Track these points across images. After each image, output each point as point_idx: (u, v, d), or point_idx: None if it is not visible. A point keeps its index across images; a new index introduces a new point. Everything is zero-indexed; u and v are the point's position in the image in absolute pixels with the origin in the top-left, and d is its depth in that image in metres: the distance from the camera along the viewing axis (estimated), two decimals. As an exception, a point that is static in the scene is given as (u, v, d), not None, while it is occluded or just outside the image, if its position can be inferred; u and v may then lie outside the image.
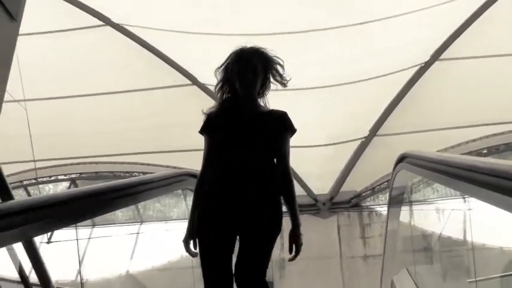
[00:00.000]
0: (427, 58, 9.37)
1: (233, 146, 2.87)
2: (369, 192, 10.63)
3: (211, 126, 2.94)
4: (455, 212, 3.08)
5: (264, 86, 2.99)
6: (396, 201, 4.47)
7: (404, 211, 4.19)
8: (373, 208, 10.73)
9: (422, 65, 9.45)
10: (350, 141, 10.25)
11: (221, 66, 3.00)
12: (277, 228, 2.85)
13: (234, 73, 2.92)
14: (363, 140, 10.14)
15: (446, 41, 9.11)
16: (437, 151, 8.17)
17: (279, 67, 2.97)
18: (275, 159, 2.92)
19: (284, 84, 2.99)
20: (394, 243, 4.52)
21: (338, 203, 10.67)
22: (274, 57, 2.98)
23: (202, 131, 2.97)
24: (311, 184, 10.47)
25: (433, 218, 3.75)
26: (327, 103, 9.52)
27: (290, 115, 2.97)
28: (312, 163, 9.94)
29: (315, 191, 10.56)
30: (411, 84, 9.62)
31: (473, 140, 10.05)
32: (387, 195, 5.42)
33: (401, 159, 3.97)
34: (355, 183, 10.60)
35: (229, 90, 2.98)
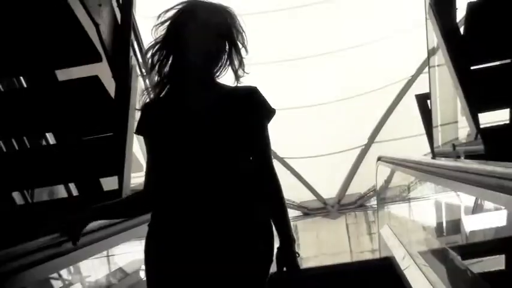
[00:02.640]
0: (413, 72, 11.14)
1: (183, 154, 1.92)
2: (371, 193, 12.27)
3: (148, 124, 1.99)
4: (414, 188, 4.79)
5: (222, 64, 2.00)
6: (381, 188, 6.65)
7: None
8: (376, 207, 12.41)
9: (410, 78, 11.21)
10: (352, 149, 11.99)
11: (159, 24, 1.98)
12: (267, 267, 1.93)
13: (183, 39, 1.93)
14: (363, 147, 11.88)
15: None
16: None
17: (240, 40, 2.00)
18: (251, 158, 1.99)
19: (240, 71, 2.00)
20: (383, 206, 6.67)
21: (345, 205, 12.35)
22: (240, 25, 2.00)
23: (138, 131, 2.05)
24: (320, 190, 12.18)
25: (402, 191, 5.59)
26: (330, 118, 11.32)
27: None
28: (320, 171, 11.69)
29: (324, 196, 12.25)
30: (402, 94, 11.39)
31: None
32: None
33: (379, 159, 6.40)
34: (359, 186, 12.26)
35: (172, 66, 1.98)
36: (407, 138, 11.18)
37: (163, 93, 1.99)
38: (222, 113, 1.94)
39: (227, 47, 1.97)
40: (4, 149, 3.55)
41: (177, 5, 1.97)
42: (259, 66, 8.49)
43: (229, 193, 1.90)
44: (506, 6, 3.08)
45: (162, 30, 1.96)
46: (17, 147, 3.72)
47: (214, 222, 1.85)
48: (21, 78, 3.85)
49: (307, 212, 12.35)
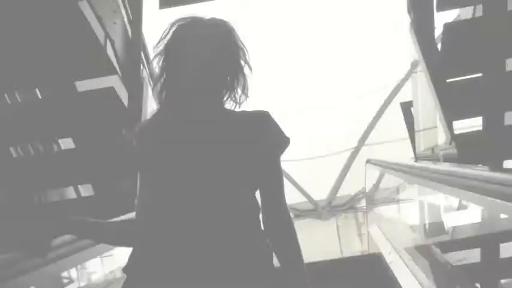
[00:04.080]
0: (402, 76, 11.65)
1: (182, 195, 1.65)
2: (361, 195, 12.71)
3: (145, 155, 1.74)
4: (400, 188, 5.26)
5: (228, 86, 1.77)
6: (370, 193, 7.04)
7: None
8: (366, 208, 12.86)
9: (399, 82, 11.71)
10: (342, 151, 12.47)
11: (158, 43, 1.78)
12: None
13: (178, 56, 1.73)
14: (353, 150, 12.36)
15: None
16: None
17: (243, 58, 1.79)
18: (260, 201, 1.74)
19: (244, 96, 1.78)
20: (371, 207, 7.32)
21: (336, 206, 12.77)
22: (241, 41, 1.80)
23: (135, 165, 1.80)
24: (311, 191, 12.62)
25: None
26: (321, 121, 11.80)
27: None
28: (311, 173, 12.13)
29: (315, 197, 12.69)
30: (391, 98, 11.88)
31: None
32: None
33: (367, 161, 7.00)
34: (349, 188, 12.71)
35: (169, 88, 1.76)
36: (398, 141, 11.67)
37: (162, 116, 1.76)
38: (228, 144, 1.68)
39: (231, 66, 1.75)
40: (28, 152, 3.98)
41: (174, 24, 1.76)
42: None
43: (230, 236, 1.62)
44: (477, 26, 3.55)
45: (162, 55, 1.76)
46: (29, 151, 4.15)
47: (210, 275, 1.57)
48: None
49: (298, 213, 12.69)
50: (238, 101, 1.78)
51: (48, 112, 3.59)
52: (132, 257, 1.70)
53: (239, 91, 1.78)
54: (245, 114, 1.77)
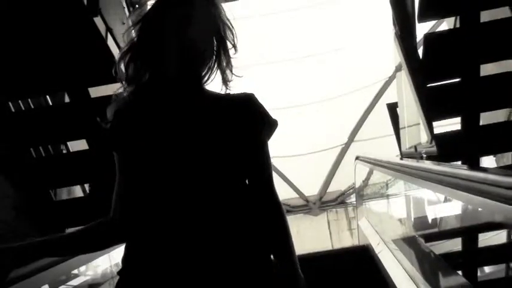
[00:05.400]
0: (390, 74, 12.09)
1: (167, 177, 1.54)
2: (351, 190, 13.07)
3: (123, 136, 1.59)
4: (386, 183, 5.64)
5: (211, 66, 1.66)
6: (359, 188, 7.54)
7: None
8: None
9: (387, 79, 12.15)
10: (332, 147, 12.86)
11: (135, 23, 1.63)
12: None
13: (162, 37, 1.57)
14: (343, 146, 12.77)
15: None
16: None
17: (229, 36, 1.68)
18: (247, 181, 1.64)
19: (227, 72, 1.67)
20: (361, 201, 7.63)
21: (326, 202, 13.11)
22: (227, 18, 1.68)
23: (110, 145, 1.64)
24: (302, 187, 12.98)
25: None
26: (311, 118, 12.19)
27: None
28: (302, 169, 12.49)
29: (306, 193, 13.06)
30: (380, 95, 12.31)
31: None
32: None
33: (356, 158, 7.16)
34: (339, 184, 13.08)
35: (146, 67, 1.60)
36: (386, 137, 12.06)
37: (139, 99, 1.59)
38: (213, 127, 1.58)
39: (214, 44, 1.64)
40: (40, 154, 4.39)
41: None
42: (240, 68, 9.34)
43: (229, 228, 1.52)
44: (453, 37, 3.98)
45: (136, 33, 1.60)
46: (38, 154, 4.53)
47: (210, 265, 1.47)
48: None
49: (290, 209, 12.95)
50: (226, 80, 1.67)
51: (64, 116, 4.01)
52: (127, 259, 1.55)
53: (225, 70, 1.67)
54: (231, 96, 1.69)
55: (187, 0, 1.60)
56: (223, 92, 1.68)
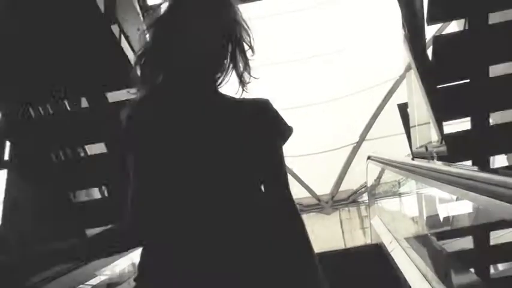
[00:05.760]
0: (401, 72, 12.14)
1: (185, 182, 1.54)
2: (363, 189, 13.12)
3: (139, 138, 1.59)
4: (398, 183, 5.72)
5: (225, 68, 1.66)
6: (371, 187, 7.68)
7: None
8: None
9: (398, 78, 12.19)
10: (344, 146, 12.95)
11: (149, 26, 1.65)
12: None
13: (177, 38, 1.59)
14: (354, 145, 12.84)
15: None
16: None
17: (246, 38, 1.68)
18: (263, 186, 1.64)
19: (246, 75, 1.68)
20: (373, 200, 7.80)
21: (339, 201, 13.21)
22: (244, 20, 1.68)
23: (124, 146, 1.62)
24: (314, 186, 13.08)
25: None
26: (322, 117, 12.28)
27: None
28: (313, 168, 12.58)
29: (318, 192, 13.16)
30: (391, 93, 12.36)
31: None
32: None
33: (368, 158, 7.34)
34: (351, 182, 13.16)
35: (160, 69, 1.62)
36: (398, 136, 12.11)
37: (153, 101, 1.60)
38: (229, 131, 1.59)
39: (230, 46, 1.64)
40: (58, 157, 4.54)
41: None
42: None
43: (246, 235, 1.51)
44: (462, 38, 4.05)
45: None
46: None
47: (228, 273, 1.46)
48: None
49: (302, 208, 13.05)
50: (244, 82, 1.68)
51: (83, 120, 4.16)
52: (143, 266, 1.55)
53: (242, 72, 1.67)
54: (246, 101, 1.69)
55: (201, 2, 1.61)
56: (239, 95, 1.69)
